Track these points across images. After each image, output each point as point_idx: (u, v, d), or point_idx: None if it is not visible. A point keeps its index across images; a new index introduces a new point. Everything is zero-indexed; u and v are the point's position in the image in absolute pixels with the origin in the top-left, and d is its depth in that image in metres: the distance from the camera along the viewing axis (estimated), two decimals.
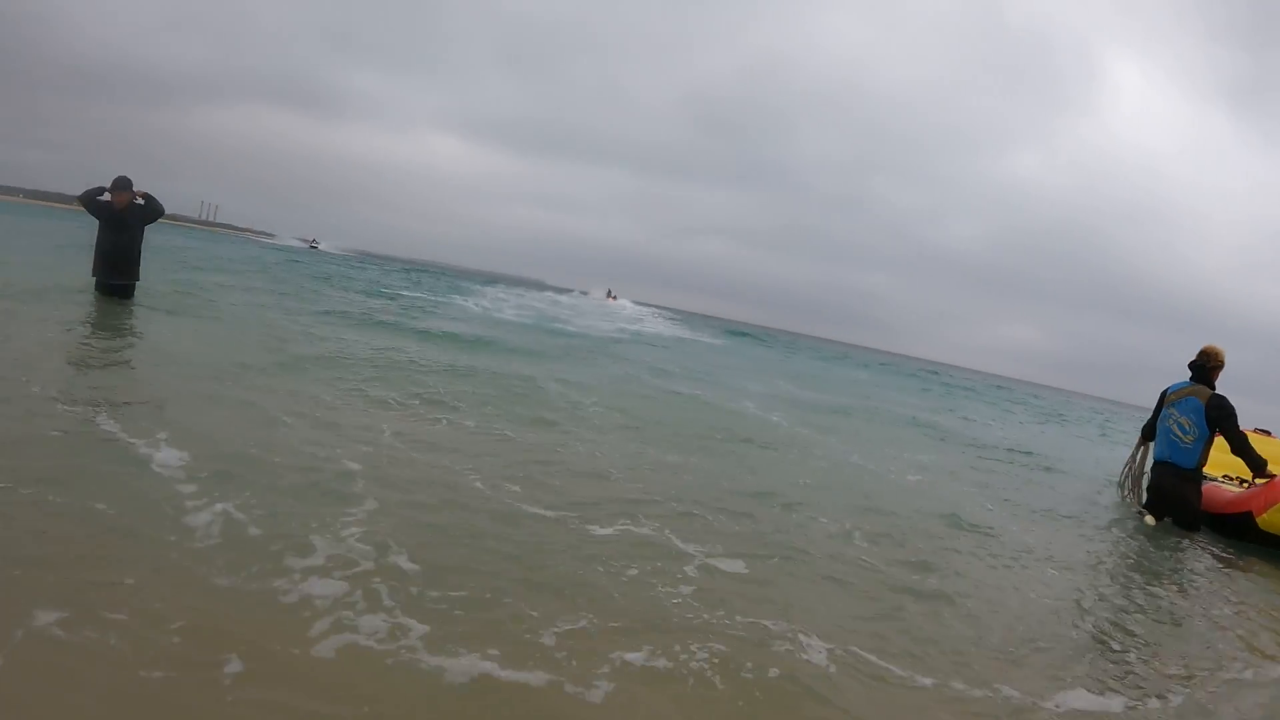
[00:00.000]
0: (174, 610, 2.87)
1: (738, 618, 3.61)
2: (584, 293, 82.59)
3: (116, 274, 10.26)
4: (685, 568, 4.16)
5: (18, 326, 7.82)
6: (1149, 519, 7.75)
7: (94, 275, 10.27)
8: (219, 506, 3.81)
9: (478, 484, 4.92)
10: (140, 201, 10.14)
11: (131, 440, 4.55)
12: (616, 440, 7.27)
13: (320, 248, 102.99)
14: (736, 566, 4.31)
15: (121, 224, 10.03)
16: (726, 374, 17.99)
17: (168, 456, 4.34)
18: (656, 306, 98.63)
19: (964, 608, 4.29)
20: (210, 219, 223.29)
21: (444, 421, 6.72)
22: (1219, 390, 7.62)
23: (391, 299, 22.69)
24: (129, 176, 10.04)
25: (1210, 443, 7.54)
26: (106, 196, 9.94)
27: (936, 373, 53.09)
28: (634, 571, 3.96)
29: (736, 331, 60.02)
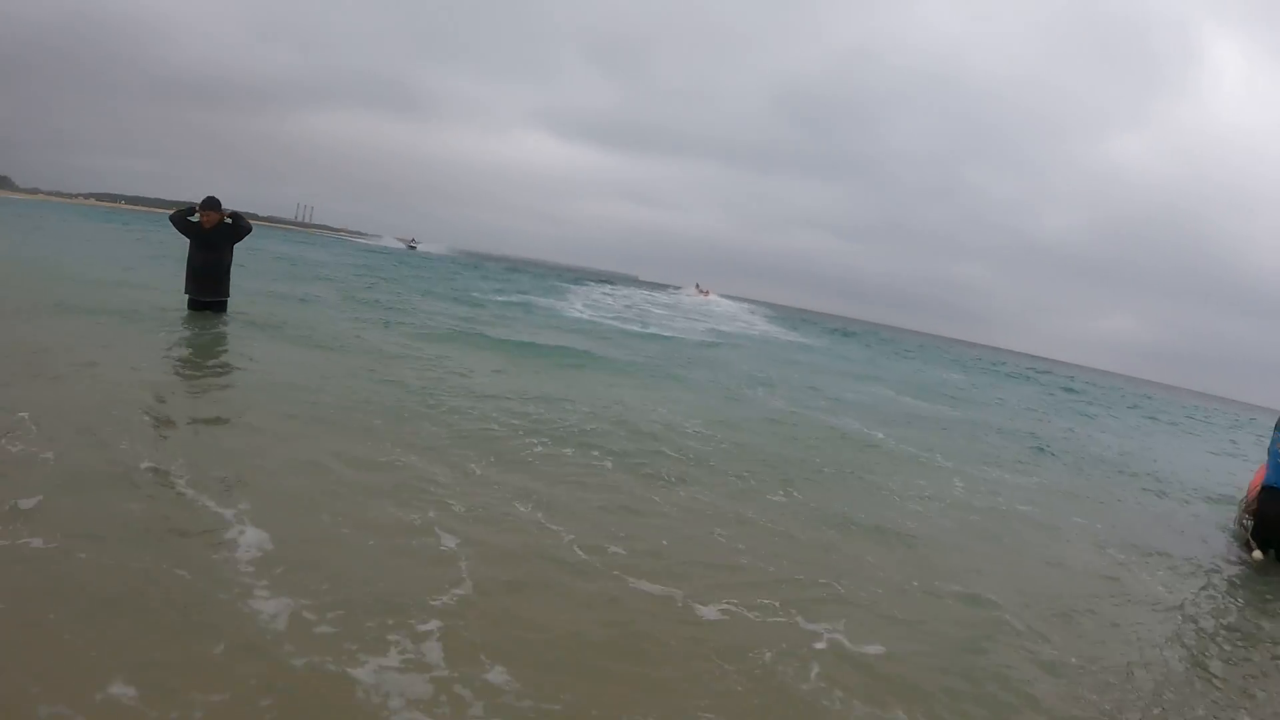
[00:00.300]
0: (247, 694, 2.73)
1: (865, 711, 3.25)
2: (677, 288, 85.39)
3: (207, 291, 10.41)
4: (814, 645, 3.76)
5: (111, 353, 7.81)
6: (1255, 553, 7.24)
7: (186, 293, 10.45)
8: (298, 590, 3.49)
9: (577, 549, 4.50)
10: (228, 221, 10.30)
11: (219, 510, 4.25)
12: (721, 475, 6.84)
13: (419, 248, 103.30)
14: (873, 649, 3.83)
15: (210, 243, 10.21)
16: (825, 382, 17.34)
17: (253, 536, 3.98)
18: (749, 301, 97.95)
19: (1115, 695, 3.85)
20: (306, 220, 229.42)
21: (543, 465, 6.24)
22: None
23: (483, 305, 22.72)
24: (217, 197, 10.23)
25: None
26: (196, 217, 10.11)
27: (1047, 370, 51.13)
28: (760, 659, 3.54)
29: (831, 329, 59.14)
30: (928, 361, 36.24)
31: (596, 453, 6.75)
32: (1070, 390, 35.44)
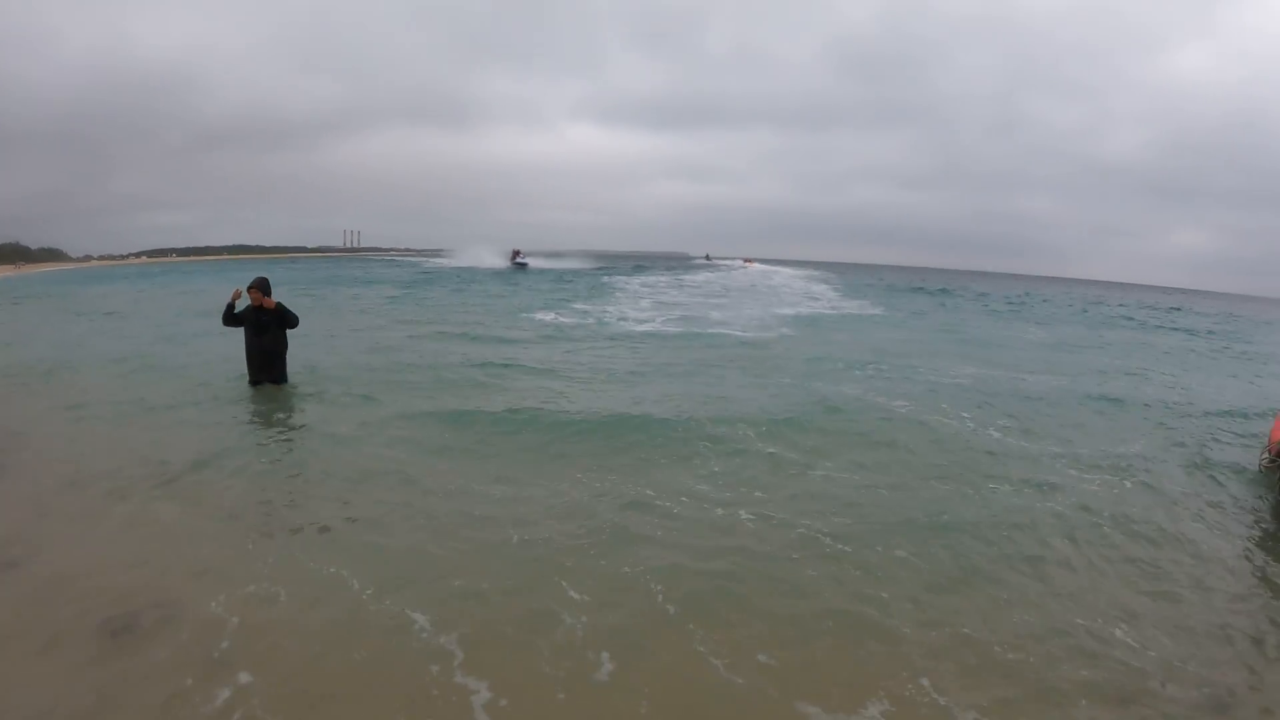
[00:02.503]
0: None
1: None
2: (707, 258, 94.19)
3: (265, 374, 10.47)
4: None
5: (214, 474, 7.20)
6: None
7: (250, 380, 10.53)
8: None
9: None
10: (270, 309, 10.23)
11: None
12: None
13: (529, 264, 76.97)
14: None
15: (262, 326, 10.21)
16: (907, 364, 15.56)
17: None
18: (810, 265, 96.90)
19: None
20: (354, 245, 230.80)
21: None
22: None
23: (518, 349, 18.99)
24: (266, 277, 10.38)
25: None
26: (242, 302, 10.19)
27: (1140, 316, 48.39)
28: None
29: (896, 288, 57.42)
30: (1000, 318, 33.08)
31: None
32: (1178, 330, 32.65)
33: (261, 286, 10.15)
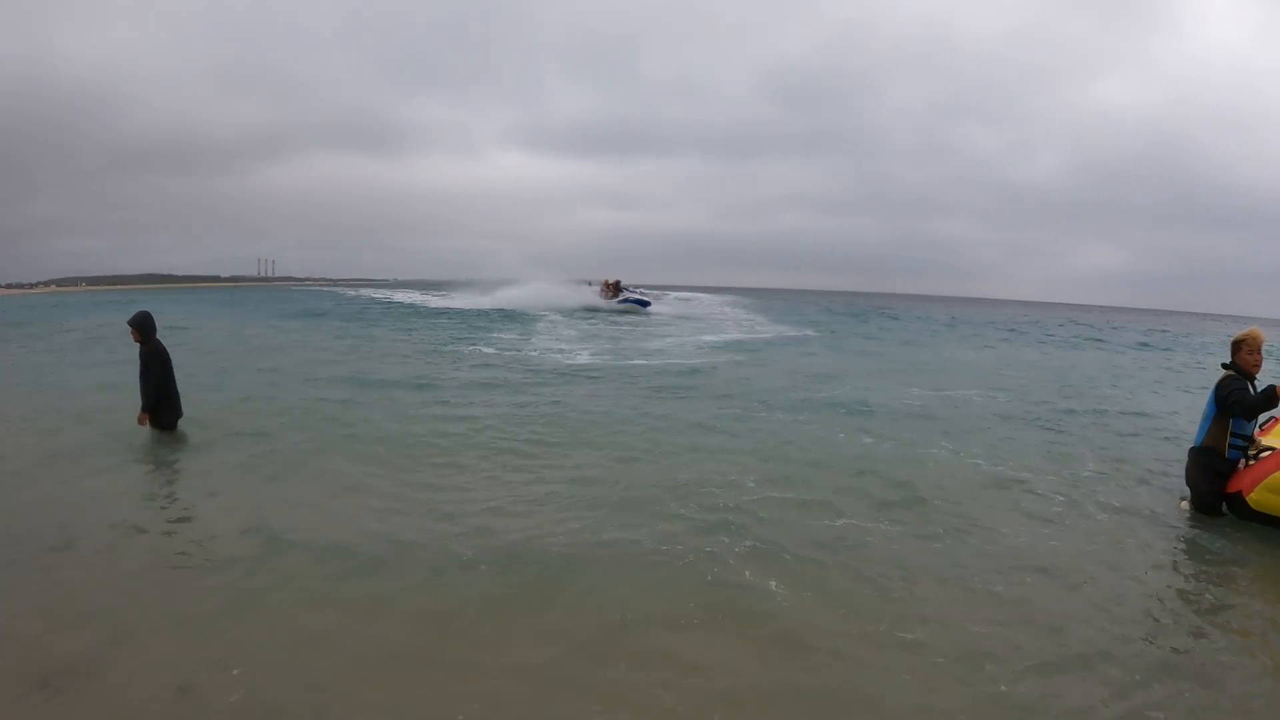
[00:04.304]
0: None
1: None
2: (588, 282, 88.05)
3: (157, 418, 9.38)
4: None
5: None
6: (1183, 503, 7.58)
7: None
8: None
9: None
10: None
11: None
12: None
13: (652, 303, 51.64)
14: None
15: (141, 366, 9.25)
16: (848, 387, 15.47)
17: None
18: (732, 291, 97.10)
19: None
20: (268, 274, 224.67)
21: None
22: (1259, 376, 7.29)
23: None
24: (147, 312, 9.38)
25: (1217, 422, 7.23)
26: None
27: (1094, 331, 48.67)
28: None
29: (818, 314, 57.35)
30: (934, 342, 33.01)
31: None
32: (1126, 348, 33.48)
33: (136, 323, 9.20)
